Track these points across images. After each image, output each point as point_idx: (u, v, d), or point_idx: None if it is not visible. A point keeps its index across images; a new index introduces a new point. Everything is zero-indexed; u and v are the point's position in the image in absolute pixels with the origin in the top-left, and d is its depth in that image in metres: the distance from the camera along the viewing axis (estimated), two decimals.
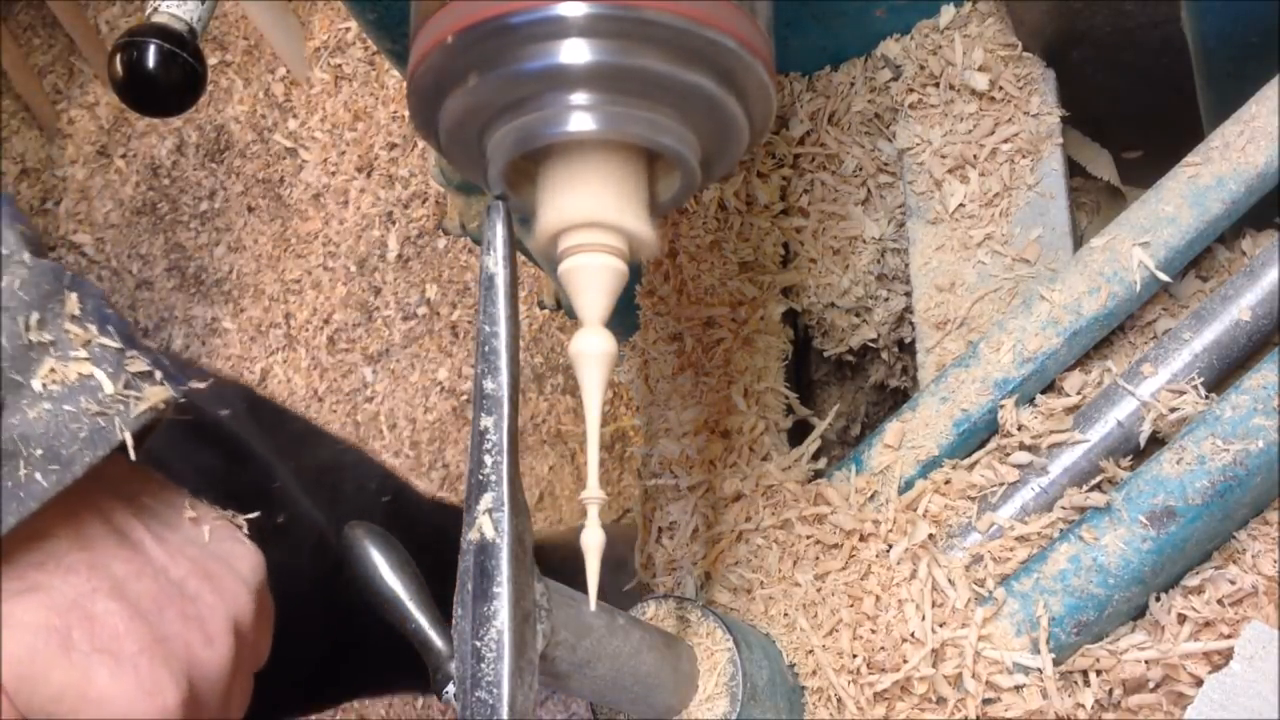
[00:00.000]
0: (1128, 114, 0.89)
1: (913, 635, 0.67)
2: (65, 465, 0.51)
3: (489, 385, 0.53)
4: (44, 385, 0.52)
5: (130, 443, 0.53)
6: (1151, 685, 0.65)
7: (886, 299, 0.89)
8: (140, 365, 0.55)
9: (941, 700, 0.66)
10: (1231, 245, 0.75)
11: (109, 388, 0.53)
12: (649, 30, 0.49)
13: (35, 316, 0.53)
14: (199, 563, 0.57)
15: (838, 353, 0.92)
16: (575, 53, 0.49)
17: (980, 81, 0.84)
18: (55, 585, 0.51)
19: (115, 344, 0.55)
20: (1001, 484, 0.71)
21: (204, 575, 0.57)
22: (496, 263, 0.54)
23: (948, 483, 0.72)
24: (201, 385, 0.59)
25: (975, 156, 0.84)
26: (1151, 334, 0.74)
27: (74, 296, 0.55)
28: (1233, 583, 0.64)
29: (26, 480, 0.50)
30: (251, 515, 0.63)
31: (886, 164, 0.89)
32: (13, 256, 0.54)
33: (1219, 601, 0.65)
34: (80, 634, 0.51)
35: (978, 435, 0.73)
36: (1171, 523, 0.64)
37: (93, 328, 0.55)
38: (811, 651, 0.68)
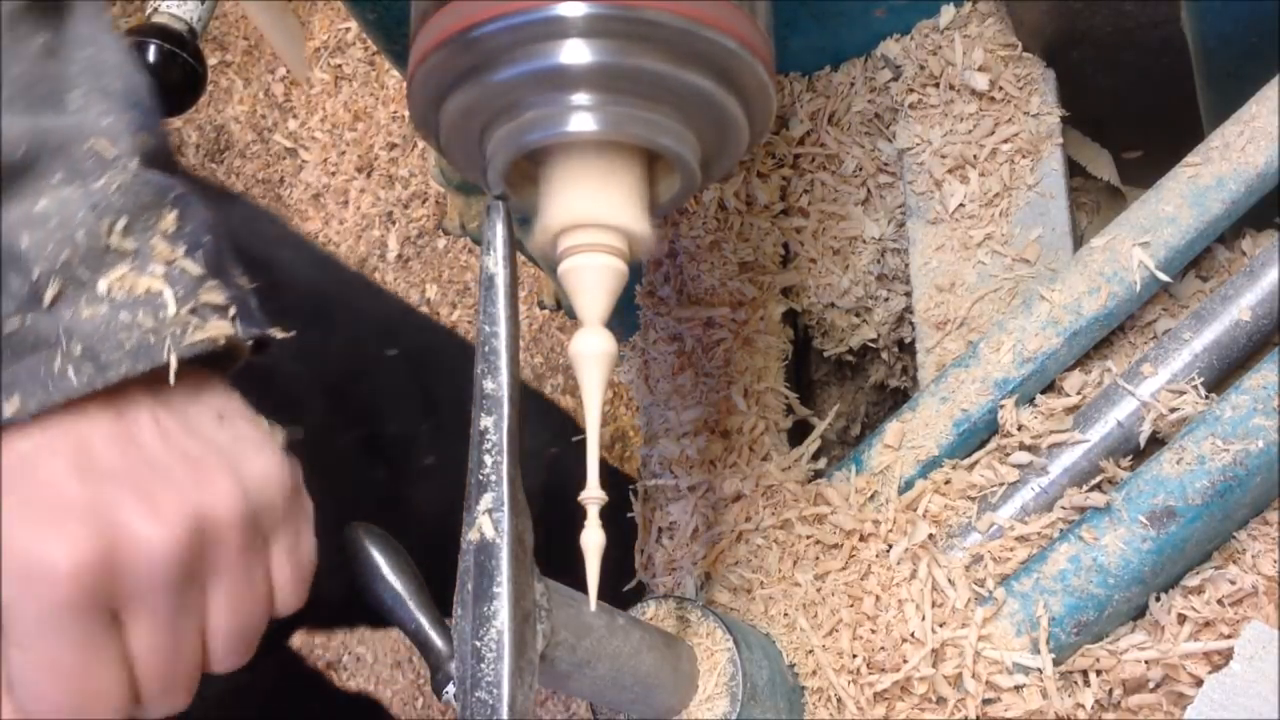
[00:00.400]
0: (1128, 114, 0.89)
1: (913, 635, 0.67)
2: (100, 369, 0.50)
3: (489, 385, 0.53)
4: (109, 288, 0.51)
5: (174, 366, 0.52)
6: (1151, 685, 0.65)
7: (886, 299, 0.89)
8: (216, 297, 0.54)
9: (941, 700, 0.66)
10: (1231, 245, 0.75)
11: (171, 310, 0.52)
12: (649, 30, 0.49)
13: (123, 222, 0.52)
14: (194, 456, 0.53)
15: (838, 353, 0.92)
16: (575, 53, 0.49)
17: (980, 81, 0.84)
18: (12, 440, 0.50)
19: (197, 270, 0.54)
20: (1001, 484, 0.71)
21: (191, 465, 0.53)
22: (496, 263, 0.54)
23: (948, 483, 0.72)
24: (283, 335, 0.57)
25: (975, 156, 0.84)
26: (1151, 334, 0.74)
27: (173, 215, 0.54)
28: (1233, 583, 0.64)
29: (59, 373, 0.49)
30: (297, 433, 0.58)
31: (886, 164, 0.89)
32: (119, 160, 0.53)
33: (1219, 601, 0.65)
34: (9, 484, 0.49)
35: (978, 435, 0.73)
36: (1171, 523, 0.64)
37: (181, 249, 0.54)
38: (811, 651, 0.68)
